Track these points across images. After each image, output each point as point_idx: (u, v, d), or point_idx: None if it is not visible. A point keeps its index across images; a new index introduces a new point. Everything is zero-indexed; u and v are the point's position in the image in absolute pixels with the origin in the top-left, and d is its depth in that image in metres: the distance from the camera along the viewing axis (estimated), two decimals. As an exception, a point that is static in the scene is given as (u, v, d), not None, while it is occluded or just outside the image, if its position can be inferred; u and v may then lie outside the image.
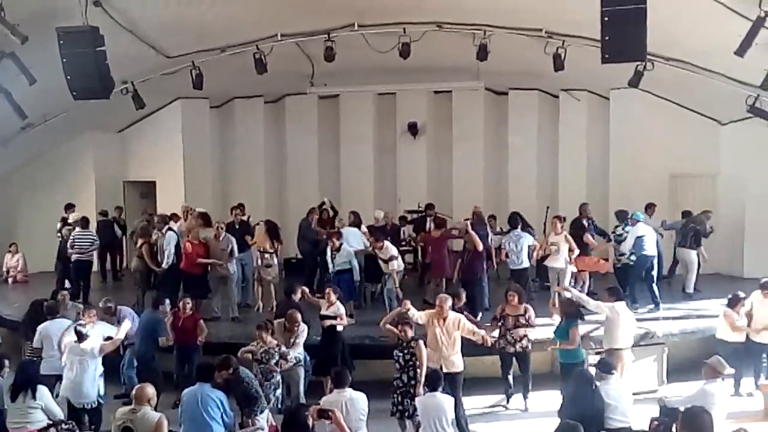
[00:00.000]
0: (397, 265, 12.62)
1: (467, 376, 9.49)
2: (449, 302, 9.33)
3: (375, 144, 19.26)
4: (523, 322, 10.03)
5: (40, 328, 9.79)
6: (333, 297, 10.37)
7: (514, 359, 10.27)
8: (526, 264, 12.85)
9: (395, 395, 8.77)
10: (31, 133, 15.13)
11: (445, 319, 9.21)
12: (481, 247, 12.23)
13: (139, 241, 13.75)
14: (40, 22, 10.38)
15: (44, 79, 11.43)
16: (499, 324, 10.12)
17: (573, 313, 9.70)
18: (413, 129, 18.75)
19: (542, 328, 10.73)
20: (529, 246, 12.80)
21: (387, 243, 12.73)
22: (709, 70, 13.05)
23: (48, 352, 9.50)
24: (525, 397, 10.35)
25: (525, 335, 10.11)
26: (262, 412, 8.43)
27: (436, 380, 7.95)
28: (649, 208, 14.93)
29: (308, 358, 10.24)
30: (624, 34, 9.34)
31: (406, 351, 8.77)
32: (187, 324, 10.42)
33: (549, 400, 9.68)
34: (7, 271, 16.94)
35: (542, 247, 12.92)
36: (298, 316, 9.87)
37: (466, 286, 11.54)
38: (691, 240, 13.94)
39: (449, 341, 9.15)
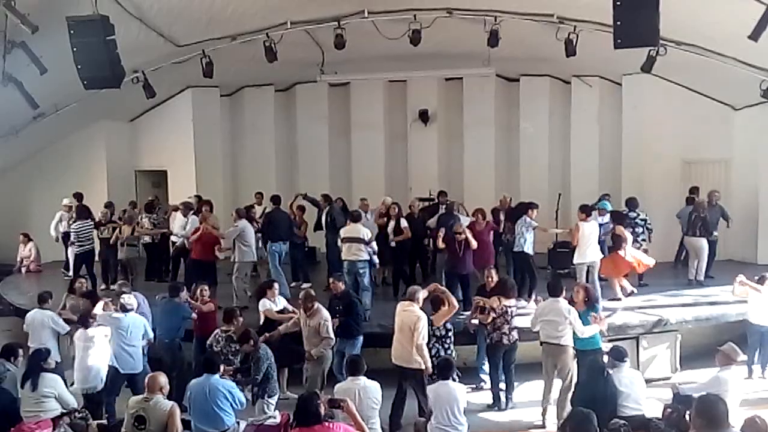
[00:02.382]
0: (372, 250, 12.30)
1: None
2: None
3: (386, 131, 19.22)
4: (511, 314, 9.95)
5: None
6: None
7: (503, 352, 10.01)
8: (523, 248, 12.55)
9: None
10: (42, 123, 15.18)
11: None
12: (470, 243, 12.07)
13: (126, 229, 13.85)
14: (51, 11, 10.39)
15: (55, 69, 11.44)
16: (496, 316, 9.82)
17: (592, 300, 9.55)
18: (424, 116, 18.69)
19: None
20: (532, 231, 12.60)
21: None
22: (722, 55, 12.93)
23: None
24: (510, 392, 10.06)
25: (515, 327, 9.95)
26: (271, 396, 8.48)
27: (447, 368, 7.95)
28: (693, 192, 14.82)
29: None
30: (636, 18, 9.26)
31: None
32: (206, 313, 10.32)
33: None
34: (21, 261, 17.03)
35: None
36: (312, 293, 9.70)
37: (462, 277, 11.80)
38: (699, 229, 13.77)
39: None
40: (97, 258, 14.98)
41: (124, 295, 9.63)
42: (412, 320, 8.83)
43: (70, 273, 15.22)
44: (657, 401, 8.33)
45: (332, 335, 9.43)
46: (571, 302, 9.40)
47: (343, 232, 12.09)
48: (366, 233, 11.97)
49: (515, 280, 13.03)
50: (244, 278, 12.91)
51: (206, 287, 10.75)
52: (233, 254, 12.93)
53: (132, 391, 8.86)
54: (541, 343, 9.33)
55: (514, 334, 9.84)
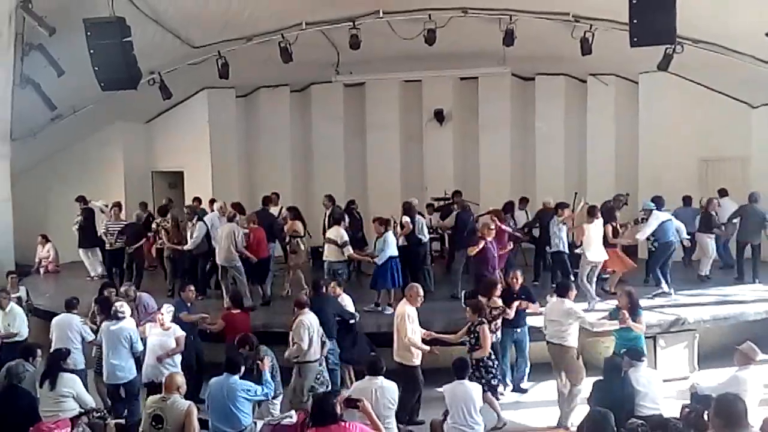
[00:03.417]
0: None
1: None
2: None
3: (401, 131, 19.22)
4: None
5: None
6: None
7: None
8: (556, 247, 12.70)
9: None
10: (59, 125, 15.27)
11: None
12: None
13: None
14: (68, 13, 10.48)
15: (72, 71, 11.53)
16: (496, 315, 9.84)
17: (635, 305, 9.38)
18: (439, 116, 18.69)
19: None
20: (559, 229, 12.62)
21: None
22: (739, 53, 12.83)
23: None
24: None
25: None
26: (275, 397, 8.45)
27: (462, 368, 7.94)
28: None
29: (336, 350, 9.94)
30: (653, 16, 9.23)
31: (472, 335, 9.09)
32: (236, 319, 10.02)
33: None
34: (39, 262, 17.15)
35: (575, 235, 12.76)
36: (303, 298, 9.56)
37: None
38: (702, 225, 13.88)
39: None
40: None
41: (116, 303, 9.36)
42: (397, 317, 9.12)
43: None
44: (675, 401, 8.29)
45: (303, 343, 8.94)
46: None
47: (327, 233, 12.42)
48: (342, 236, 12.08)
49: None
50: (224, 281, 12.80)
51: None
52: None
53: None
54: (547, 343, 9.30)
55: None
